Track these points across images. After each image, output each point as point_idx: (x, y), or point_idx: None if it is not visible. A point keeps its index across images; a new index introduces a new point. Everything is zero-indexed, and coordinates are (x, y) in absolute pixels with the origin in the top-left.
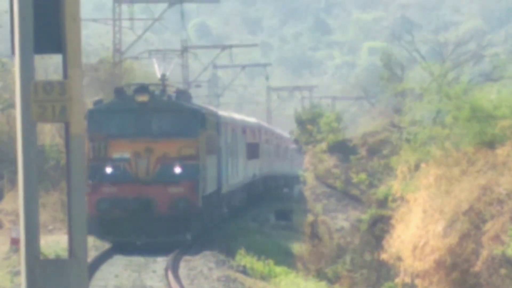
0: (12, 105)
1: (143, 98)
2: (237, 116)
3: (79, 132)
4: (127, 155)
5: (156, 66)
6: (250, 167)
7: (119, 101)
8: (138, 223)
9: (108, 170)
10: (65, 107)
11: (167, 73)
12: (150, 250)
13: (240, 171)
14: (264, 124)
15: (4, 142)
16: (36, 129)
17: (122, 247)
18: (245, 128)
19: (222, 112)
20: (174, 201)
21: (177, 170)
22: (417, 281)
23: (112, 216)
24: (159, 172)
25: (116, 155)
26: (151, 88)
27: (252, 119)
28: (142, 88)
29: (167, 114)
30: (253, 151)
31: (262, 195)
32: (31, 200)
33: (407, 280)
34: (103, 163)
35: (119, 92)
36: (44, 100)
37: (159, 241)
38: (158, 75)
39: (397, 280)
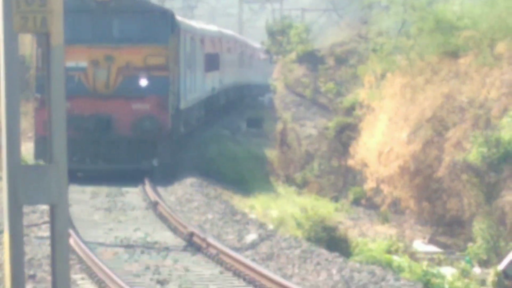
0: None
1: None
2: (195, 23)
3: (60, 42)
4: (82, 64)
5: None
6: (209, 80)
7: (75, 0)
8: (95, 146)
9: None
10: (46, 18)
11: None
12: (109, 179)
13: (198, 85)
14: (228, 32)
15: None
16: (18, 40)
17: (73, 175)
18: (203, 37)
19: (180, 18)
20: (139, 120)
21: (143, 82)
22: (382, 186)
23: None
24: (121, 84)
25: (69, 63)
26: None
27: (212, 27)
28: None
29: (132, 16)
30: (212, 62)
31: (224, 109)
32: (13, 109)
33: (373, 185)
34: None
35: None
36: (25, 11)
37: (119, 168)
38: None
39: (365, 186)
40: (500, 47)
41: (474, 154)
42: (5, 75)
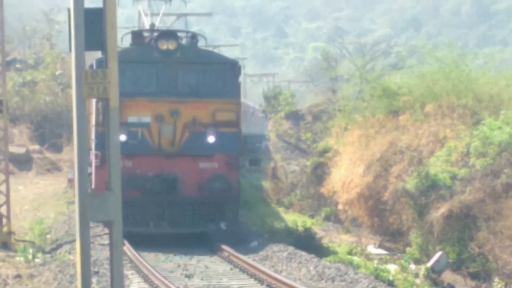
0: (69, 86)
1: (169, 45)
2: None
3: (116, 105)
4: (146, 119)
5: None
6: None
7: (137, 49)
8: (159, 208)
9: (122, 138)
10: (106, 87)
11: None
12: (170, 244)
13: None
14: (244, 101)
15: (63, 113)
16: (85, 103)
17: (133, 239)
18: None
19: None
20: (208, 180)
21: (211, 139)
22: (346, 207)
23: (126, 199)
24: (187, 142)
25: (132, 118)
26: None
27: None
28: (168, 33)
29: (199, 67)
30: None
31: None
32: (82, 151)
33: (339, 206)
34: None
35: (137, 37)
36: (91, 83)
37: (184, 232)
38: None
39: (333, 207)
40: (428, 108)
41: (410, 184)
42: (77, 128)
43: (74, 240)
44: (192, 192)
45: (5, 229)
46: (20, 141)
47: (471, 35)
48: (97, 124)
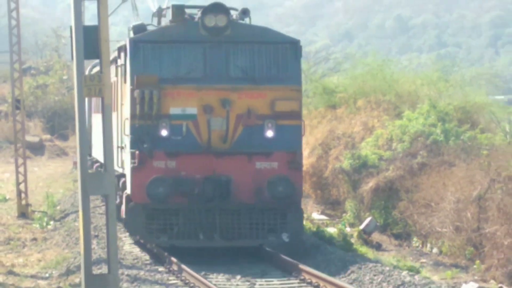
0: (73, 88)
1: (217, 21)
2: None
3: (109, 103)
4: (191, 110)
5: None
6: None
7: (179, 26)
8: (209, 217)
9: (163, 133)
10: (101, 89)
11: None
12: (220, 258)
13: None
14: None
15: (69, 109)
16: (85, 100)
17: (175, 252)
18: None
19: None
20: (267, 183)
21: (269, 134)
22: None
23: (170, 206)
24: (241, 137)
25: (174, 110)
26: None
27: None
28: (217, 6)
29: (254, 47)
30: None
31: None
32: (83, 140)
33: None
34: (155, 123)
35: (179, 11)
36: (90, 85)
37: (238, 246)
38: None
39: None
40: (360, 103)
41: (345, 163)
42: (78, 121)
43: (78, 210)
44: (247, 197)
45: (23, 202)
46: (35, 132)
47: (393, 44)
48: (133, 117)
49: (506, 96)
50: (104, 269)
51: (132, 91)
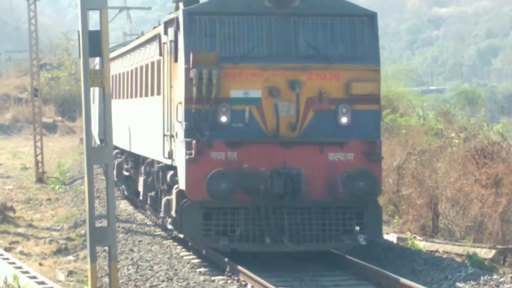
0: (80, 80)
1: None
2: None
3: (109, 92)
4: (255, 93)
5: None
6: None
7: None
8: (277, 217)
9: (223, 119)
10: (102, 81)
11: None
12: (290, 263)
13: None
14: None
15: (77, 96)
16: (89, 90)
17: (236, 257)
18: None
19: None
20: (340, 178)
21: (344, 120)
22: None
23: (231, 204)
24: (311, 124)
25: (235, 93)
26: None
27: None
28: None
29: (327, 21)
30: None
31: None
32: (88, 120)
33: None
34: (214, 107)
35: None
36: (94, 77)
37: (310, 250)
38: None
39: None
40: None
41: None
42: (84, 105)
43: (83, 177)
44: (320, 194)
45: (40, 170)
46: (49, 114)
47: None
48: (188, 101)
49: (420, 87)
50: (104, 223)
51: (187, 70)
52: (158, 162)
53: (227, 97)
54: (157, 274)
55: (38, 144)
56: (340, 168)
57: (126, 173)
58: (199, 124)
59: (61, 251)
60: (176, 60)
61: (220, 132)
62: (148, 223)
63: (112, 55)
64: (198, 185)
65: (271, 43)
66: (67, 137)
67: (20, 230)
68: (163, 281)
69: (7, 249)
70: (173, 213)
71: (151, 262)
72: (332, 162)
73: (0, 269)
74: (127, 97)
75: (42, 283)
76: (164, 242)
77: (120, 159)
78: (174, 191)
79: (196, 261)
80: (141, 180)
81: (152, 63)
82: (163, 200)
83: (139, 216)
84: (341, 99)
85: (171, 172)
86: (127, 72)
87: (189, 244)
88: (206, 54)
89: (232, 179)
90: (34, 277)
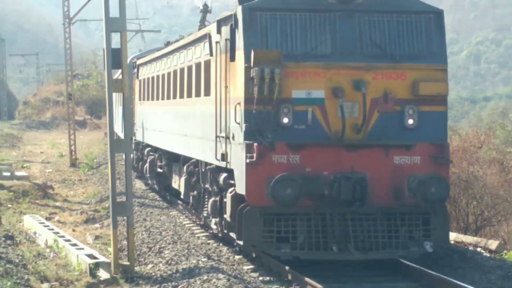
0: (105, 86)
1: None
2: None
3: (128, 95)
4: (318, 93)
5: None
6: None
7: None
8: (340, 224)
9: (285, 120)
10: (122, 87)
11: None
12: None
13: None
14: None
15: (102, 100)
16: (112, 95)
17: (298, 265)
18: None
19: None
20: (405, 182)
21: (410, 122)
22: None
23: (293, 210)
24: (377, 126)
25: (297, 93)
26: None
27: None
28: None
29: (392, 18)
30: None
31: None
32: (110, 118)
33: None
34: (275, 108)
35: None
36: (116, 85)
37: (376, 259)
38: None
39: None
40: None
41: None
42: (108, 107)
43: (107, 162)
44: (385, 199)
45: (73, 157)
46: (80, 114)
47: None
48: (248, 101)
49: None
50: (123, 198)
51: (247, 69)
52: (207, 164)
53: (289, 98)
54: (165, 238)
55: (72, 137)
56: (405, 172)
57: (159, 170)
58: (260, 125)
59: (89, 220)
60: (232, 59)
61: (281, 134)
62: (158, 198)
63: (145, 59)
64: (259, 190)
65: (334, 41)
66: (94, 131)
67: (57, 203)
68: (169, 243)
69: (48, 219)
70: (227, 217)
71: (160, 229)
72: (398, 165)
73: (43, 234)
74: (165, 99)
75: (75, 245)
76: (171, 213)
77: (153, 156)
78: (229, 195)
79: (194, 228)
80: (182, 179)
81: (197, 64)
82: (210, 201)
83: (151, 193)
84: (407, 100)
85: (224, 175)
86: (165, 75)
87: (240, 248)
88: (268, 52)
89: (298, 184)
90: (69, 240)
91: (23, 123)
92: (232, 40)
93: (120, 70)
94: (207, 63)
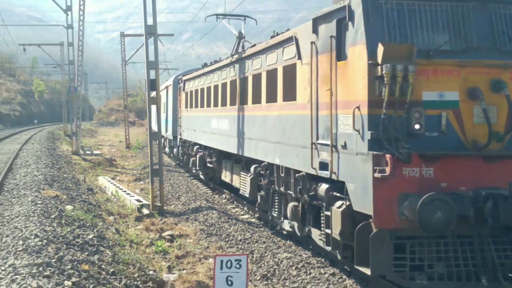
0: (146, 101)
1: None
2: None
3: (160, 107)
4: (452, 95)
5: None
6: None
7: None
8: (487, 250)
9: (417, 126)
10: (156, 101)
11: None
12: None
13: None
14: None
15: (145, 109)
16: (151, 106)
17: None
18: None
19: None
20: None
21: None
22: None
23: (440, 233)
24: None
25: (428, 95)
26: None
27: None
28: None
29: None
30: None
31: None
32: (149, 120)
33: None
34: (407, 113)
35: None
36: (153, 100)
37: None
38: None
39: None
40: None
41: None
42: (148, 113)
43: (147, 145)
44: None
45: (128, 142)
46: (132, 117)
47: None
48: (373, 104)
49: None
50: (157, 167)
51: (371, 67)
52: (296, 171)
53: (419, 100)
54: (180, 190)
55: (127, 131)
56: None
57: (210, 165)
58: (388, 133)
59: (137, 179)
60: (341, 57)
61: (412, 143)
62: (177, 168)
63: (192, 75)
64: (390, 209)
65: (469, 35)
66: (141, 128)
67: (118, 170)
68: (184, 193)
69: (112, 178)
70: (335, 234)
71: (179, 184)
72: None
73: (110, 187)
74: (218, 106)
75: (129, 194)
76: (185, 175)
77: (202, 153)
78: (337, 210)
79: (199, 184)
80: (248, 178)
81: (270, 71)
82: (290, 205)
83: (173, 164)
84: None
85: (325, 186)
86: (218, 86)
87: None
88: (399, 47)
89: (450, 206)
90: (125, 191)
91: (98, 123)
92: (341, 36)
93: (155, 92)
94: (289, 68)
